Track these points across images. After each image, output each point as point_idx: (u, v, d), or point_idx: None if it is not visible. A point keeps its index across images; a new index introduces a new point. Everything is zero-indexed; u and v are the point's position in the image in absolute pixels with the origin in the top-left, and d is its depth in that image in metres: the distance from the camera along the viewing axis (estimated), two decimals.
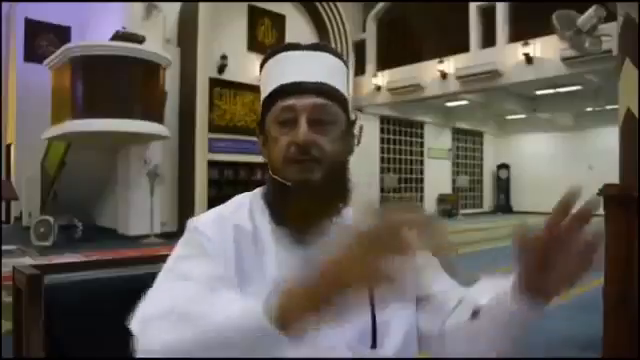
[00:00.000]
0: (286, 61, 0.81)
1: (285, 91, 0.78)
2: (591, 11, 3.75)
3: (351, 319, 0.65)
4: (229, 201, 0.84)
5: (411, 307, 0.80)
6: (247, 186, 10.26)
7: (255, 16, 11.34)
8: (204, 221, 0.79)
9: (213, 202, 10.06)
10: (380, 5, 13.73)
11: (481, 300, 0.72)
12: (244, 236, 0.77)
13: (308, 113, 0.76)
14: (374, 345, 0.72)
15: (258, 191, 0.85)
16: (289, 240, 0.77)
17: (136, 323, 0.65)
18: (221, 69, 10.61)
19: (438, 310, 0.80)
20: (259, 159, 11.11)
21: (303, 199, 0.74)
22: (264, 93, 0.82)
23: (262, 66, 0.84)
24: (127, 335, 0.91)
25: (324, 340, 0.66)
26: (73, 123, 7.73)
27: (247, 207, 0.81)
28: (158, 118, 8.42)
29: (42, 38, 11.02)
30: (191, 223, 0.79)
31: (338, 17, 12.48)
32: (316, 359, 0.68)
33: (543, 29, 9.40)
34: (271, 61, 0.82)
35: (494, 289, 0.70)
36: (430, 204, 16.61)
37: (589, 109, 14.94)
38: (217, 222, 0.78)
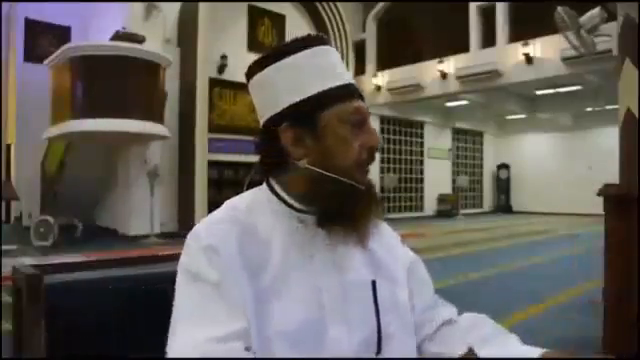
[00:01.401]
0: (331, 58, 0.78)
1: (349, 91, 0.77)
2: (595, 11, 3.76)
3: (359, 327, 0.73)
4: (230, 206, 0.78)
5: (411, 318, 0.83)
6: (247, 186, 10.40)
7: (255, 16, 11.35)
8: (213, 233, 0.72)
9: (213, 202, 10.08)
10: (380, 5, 13.74)
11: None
12: (262, 241, 0.74)
13: (369, 117, 0.80)
14: (378, 352, 0.74)
15: (261, 192, 0.80)
16: (325, 241, 0.76)
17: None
18: (221, 69, 10.62)
19: (417, 329, 0.84)
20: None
21: (374, 202, 0.77)
22: (310, 85, 0.75)
23: (285, 53, 0.77)
24: (127, 335, 0.91)
25: (334, 346, 0.70)
26: (73, 123, 7.73)
27: (260, 209, 0.77)
28: (158, 118, 8.42)
29: (42, 38, 11.01)
30: (199, 239, 0.72)
31: (338, 17, 12.49)
32: (325, 359, 0.70)
33: (543, 29, 9.42)
34: (308, 52, 0.76)
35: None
36: (430, 204, 16.61)
37: (589, 109, 14.95)
38: (228, 231, 0.72)
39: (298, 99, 0.75)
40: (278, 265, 0.72)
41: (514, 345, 0.80)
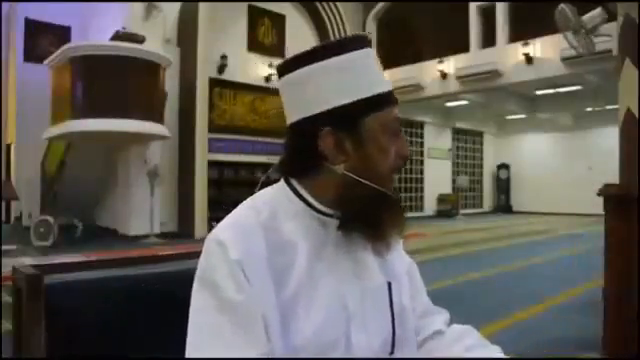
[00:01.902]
0: (376, 61, 0.76)
1: (392, 98, 0.76)
2: (596, 12, 3.76)
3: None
4: (253, 208, 0.74)
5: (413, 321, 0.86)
6: (247, 186, 10.19)
7: (255, 16, 11.34)
8: (233, 239, 0.69)
9: (213, 202, 10.09)
10: (380, 5, 13.74)
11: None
12: (287, 246, 0.72)
13: None
14: (392, 351, 0.77)
15: (280, 192, 0.77)
16: (347, 246, 0.76)
17: None
18: (221, 69, 10.62)
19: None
20: (259, 159, 11.06)
21: (402, 211, 0.78)
22: (359, 88, 0.73)
23: (333, 52, 0.73)
24: (127, 335, 0.91)
25: (357, 352, 0.72)
26: (73, 123, 7.73)
27: (283, 211, 0.74)
28: (158, 118, 8.42)
29: (42, 38, 11.00)
30: (225, 250, 0.68)
31: (338, 17, 12.48)
32: (350, 359, 0.72)
33: (543, 29, 9.42)
34: (357, 54, 0.74)
35: None
36: (430, 204, 16.61)
37: (589, 109, 14.95)
38: (256, 242, 0.70)
39: (346, 102, 0.72)
40: (303, 271, 0.71)
41: (495, 355, 0.82)
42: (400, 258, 0.86)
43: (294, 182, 0.77)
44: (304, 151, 0.74)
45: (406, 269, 0.87)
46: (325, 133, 0.71)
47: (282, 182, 0.79)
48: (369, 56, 0.75)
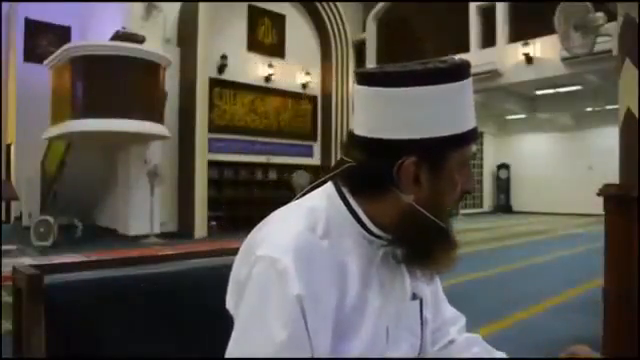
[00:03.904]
0: (470, 94, 0.72)
1: (476, 135, 0.73)
2: (599, 14, 3.76)
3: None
4: (307, 226, 0.69)
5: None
6: (247, 186, 10.14)
7: (255, 16, 11.34)
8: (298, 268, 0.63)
9: (213, 202, 10.07)
10: (380, 5, 13.73)
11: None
12: (341, 268, 0.69)
13: None
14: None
15: (330, 204, 0.73)
16: (389, 266, 0.75)
17: None
18: (221, 69, 10.62)
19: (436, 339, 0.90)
20: (259, 159, 11.05)
21: (456, 246, 0.76)
22: (460, 122, 0.70)
23: (432, 78, 0.68)
24: (127, 335, 0.91)
25: (390, 354, 0.74)
26: (73, 123, 7.73)
27: (337, 229, 0.71)
28: (158, 118, 8.42)
29: (42, 38, 11.01)
30: (285, 281, 0.62)
31: (338, 17, 12.48)
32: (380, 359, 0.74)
33: (543, 29, 9.42)
34: (465, 84, 0.70)
35: None
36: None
37: (589, 109, 14.95)
38: (320, 273, 0.65)
39: (439, 135, 0.68)
40: (355, 294, 0.69)
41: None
42: None
43: (349, 196, 0.73)
44: (378, 172, 0.70)
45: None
46: (410, 163, 0.68)
47: (332, 191, 0.74)
48: (469, 88, 0.71)
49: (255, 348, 0.62)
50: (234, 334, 0.65)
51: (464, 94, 0.70)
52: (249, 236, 0.72)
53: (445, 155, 0.69)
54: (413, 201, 0.69)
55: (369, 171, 0.70)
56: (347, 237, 0.71)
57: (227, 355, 0.64)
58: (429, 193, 0.70)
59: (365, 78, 0.71)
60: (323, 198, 0.74)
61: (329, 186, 0.75)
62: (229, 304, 0.71)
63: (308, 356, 0.62)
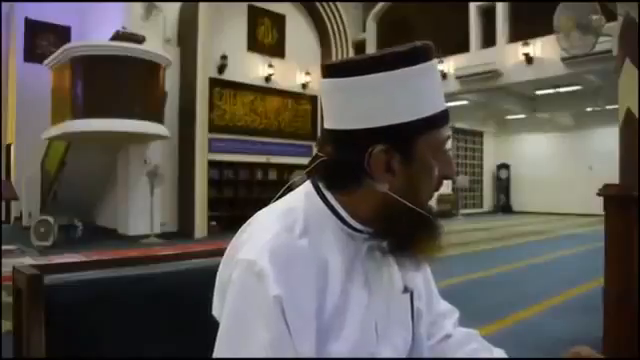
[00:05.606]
0: (435, 77, 0.70)
1: (447, 117, 0.71)
2: (597, 17, 3.76)
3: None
4: (285, 226, 0.67)
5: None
6: (247, 186, 10.13)
7: (255, 16, 11.34)
8: (278, 268, 0.62)
9: (213, 202, 10.07)
10: (380, 5, 13.74)
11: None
12: (322, 265, 0.67)
13: None
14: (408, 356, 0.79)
15: (308, 200, 0.72)
16: (374, 260, 0.74)
17: None
18: (221, 69, 10.62)
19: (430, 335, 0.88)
20: (259, 159, 11.04)
21: (439, 231, 0.72)
22: (426, 105, 0.68)
23: (389, 64, 0.67)
24: (127, 335, 0.91)
25: (382, 349, 0.73)
26: (73, 123, 7.73)
27: (316, 226, 0.69)
28: (158, 118, 8.43)
29: (42, 38, 11.02)
30: (264, 283, 0.61)
31: (338, 17, 12.48)
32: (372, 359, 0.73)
33: (543, 29, 9.42)
34: (429, 65, 0.68)
35: None
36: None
37: (589, 109, 14.95)
38: (292, 262, 0.64)
39: (407, 120, 0.66)
40: (337, 292, 0.68)
41: (498, 356, 0.86)
42: None
43: (326, 191, 0.72)
44: (349, 164, 0.69)
45: (422, 274, 0.86)
46: (378, 151, 0.66)
47: (309, 188, 0.73)
48: (435, 69, 0.69)
49: (238, 350, 0.62)
50: (218, 338, 0.65)
51: (426, 77, 0.68)
52: (232, 240, 0.72)
53: (414, 140, 0.68)
54: (388, 190, 0.68)
55: (341, 164, 0.70)
56: (327, 233, 0.70)
57: (215, 351, 0.65)
58: (404, 180, 0.68)
59: (327, 70, 0.71)
60: (301, 196, 0.73)
61: (307, 184, 0.75)
62: (215, 310, 0.71)
63: (293, 356, 0.61)
